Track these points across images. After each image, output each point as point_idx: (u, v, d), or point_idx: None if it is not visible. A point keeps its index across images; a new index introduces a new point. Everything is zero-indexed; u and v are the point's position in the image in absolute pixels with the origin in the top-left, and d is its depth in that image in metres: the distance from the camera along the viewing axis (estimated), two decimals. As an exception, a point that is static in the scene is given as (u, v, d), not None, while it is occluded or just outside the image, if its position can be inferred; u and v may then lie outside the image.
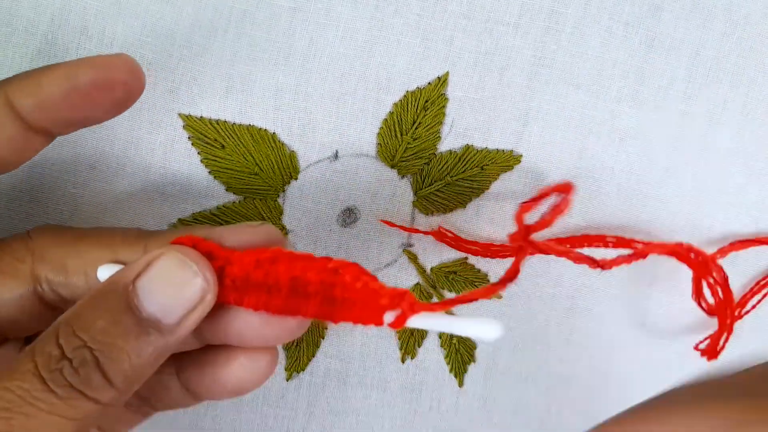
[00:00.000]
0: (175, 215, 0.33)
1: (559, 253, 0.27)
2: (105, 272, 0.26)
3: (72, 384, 0.22)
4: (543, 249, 0.27)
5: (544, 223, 0.27)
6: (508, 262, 0.34)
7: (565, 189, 0.26)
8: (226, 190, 0.33)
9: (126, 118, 0.32)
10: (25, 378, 0.22)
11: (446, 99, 0.33)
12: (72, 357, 0.22)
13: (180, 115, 0.32)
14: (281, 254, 0.25)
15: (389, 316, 0.24)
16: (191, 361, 0.28)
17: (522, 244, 0.26)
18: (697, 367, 0.36)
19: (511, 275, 0.25)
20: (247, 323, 0.26)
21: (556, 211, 0.27)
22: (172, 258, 0.24)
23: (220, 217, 0.33)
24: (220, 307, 0.25)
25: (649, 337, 0.36)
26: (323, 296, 0.25)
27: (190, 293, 0.24)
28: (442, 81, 0.33)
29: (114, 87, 0.25)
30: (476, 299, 0.24)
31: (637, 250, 0.32)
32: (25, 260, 0.27)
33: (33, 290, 0.27)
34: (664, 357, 0.36)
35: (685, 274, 0.34)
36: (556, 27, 0.33)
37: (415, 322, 0.24)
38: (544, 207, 0.28)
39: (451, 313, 0.26)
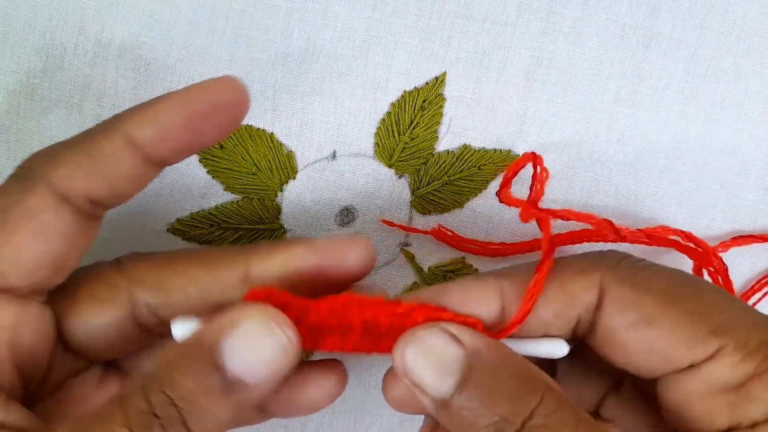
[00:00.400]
0: (174, 215, 0.33)
1: (579, 218, 0.28)
2: (179, 328, 0.26)
3: None
4: (564, 215, 0.27)
5: (538, 193, 0.27)
6: (503, 263, 0.35)
7: (533, 159, 0.27)
8: (225, 189, 0.33)
9: (124, 118, 0.32)
10: (117, 428, 0.23)
11: (444, 99, 0.33)
12: (160, 414, 0.23)
13: (178, 115, 0.32)
14: (352, 300, 0.26)
15: None
16: None
17: (540, 213, 0.27)
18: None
19: (549, 245, 0.26)
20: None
21: (539, 179, 0.27)
22: (258, 320, 0.24)
23: (218, 216, 0.33)
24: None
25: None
26: (396, 336, 0.26)
27: (275, 355, 0.24)
28: (439, 81, 0.33)
29: (227, 109, 0.26)
30: (538, 292, 0.26)
31: (647, 231, 0.32)
32: (120, 286, 0.27)
33: (130, 315, 0.28)
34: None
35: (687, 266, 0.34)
36: (553, 27, 0.33)
37: None
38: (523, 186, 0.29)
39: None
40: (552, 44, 0.33)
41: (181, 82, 0.31)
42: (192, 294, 0.27)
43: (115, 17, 0.31)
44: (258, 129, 0.32)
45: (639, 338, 0.25)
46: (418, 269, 0.35)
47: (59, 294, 0.27)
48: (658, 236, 0.32)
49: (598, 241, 0.33)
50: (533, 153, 0.29)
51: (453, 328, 0.25)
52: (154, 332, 0.28)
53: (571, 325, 0.26)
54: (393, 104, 0.33)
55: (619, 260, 0.27)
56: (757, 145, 0.34)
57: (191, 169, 0.32)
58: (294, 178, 0.33)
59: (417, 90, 0.33)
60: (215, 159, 0.32)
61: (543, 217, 0.27)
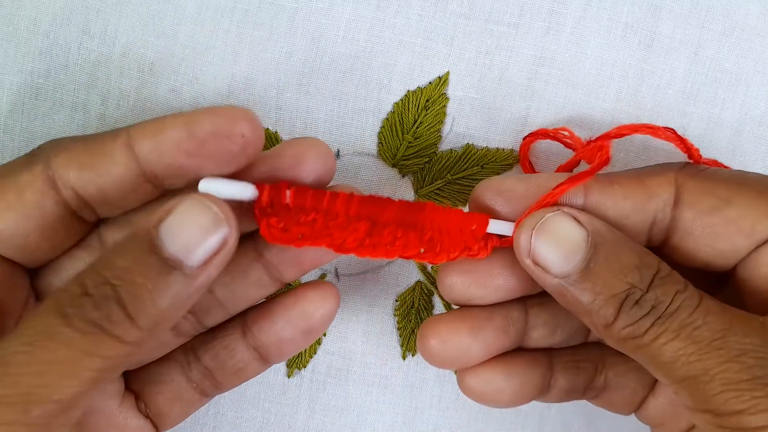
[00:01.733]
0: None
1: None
2: (206, 184, 0.25)
3: (93, 320, 0.23)
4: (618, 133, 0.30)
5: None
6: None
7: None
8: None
9: (129, 118, 0.32)
10: (47, 314, 0.23)
11: (447, 98, 0.33)
12: (94, 293, 0.23)
13: (182, 114, 0.32)
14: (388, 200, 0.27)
15: (496, 225, 0.28)
16: (258, 313, 0.30)
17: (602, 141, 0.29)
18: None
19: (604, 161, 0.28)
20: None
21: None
22: (194, 202, 0.24)
23: (222, 215, 0.33)
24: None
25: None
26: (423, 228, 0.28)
27: (212, 237, 0.24)
28: (442, 80, 0.33)
29: (231, 138, 0.25)
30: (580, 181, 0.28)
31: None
32: (30, 184, 0.26)
33: (54, 200, 0.26)
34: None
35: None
36: (556, 27, 0.33)
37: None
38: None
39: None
40: (554, 44, 0.33)
41: (185, 82, 0.32)
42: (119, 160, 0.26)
43: (119, 17, 0.31)
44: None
45: (720, 219, 0.27)
46: (422, 267, 0.35)
47: None
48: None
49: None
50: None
51: (574, 212, 0.27)
52: (88, 220, 0.28)
53: (647, 222, 0.28)
54: (396, 104, 0.33)
55: (688, 164, 0.29)
56: (756, 145, 0.35)
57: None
58: (298, 178, 0.33)
59: (420, 89, 0.33)
60: (219, 158, 0.32)
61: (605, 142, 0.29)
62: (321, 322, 0.30)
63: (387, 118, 0.33)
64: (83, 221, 0.27)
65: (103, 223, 0.28)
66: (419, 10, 0.32)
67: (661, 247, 0.29)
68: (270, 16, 0.31)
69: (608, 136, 0.30)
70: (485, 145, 0.34)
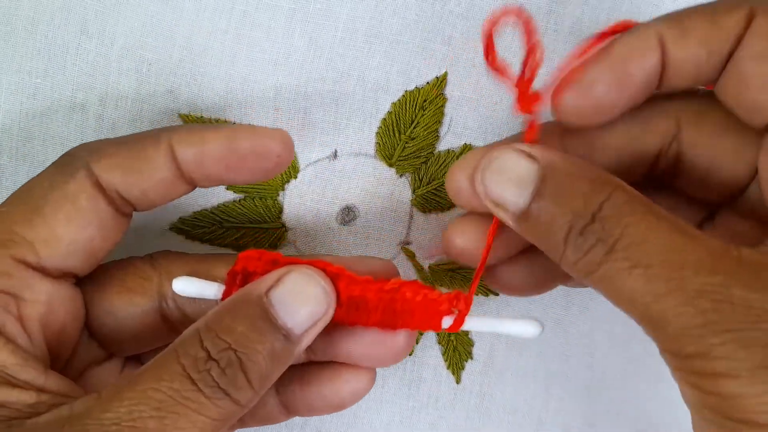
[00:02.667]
0: (177, 214, 0.33)
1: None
2: (180, 284, 0.27)
3: (219, 384, 0.24)
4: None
5: (533, 68, 0.28)
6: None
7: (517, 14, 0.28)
8: (226, 188, 0.33)
9: (127, 119, 0.32)
10: (174, 378, 0.24)
11: (445, 98, 0.33)
12: (218, 358, 0.24)
13: (180, 115, 0.32)
14: (341, 272, 0.27)
15: (447, 321, 0.28)
16: (295, 377, 0.30)
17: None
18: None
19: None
20: (358, 342, 0.29)
21: (532, 51, 0.28)
22: (303, 273, 0.26)
23: (220, 215, 0.33)
24: (334, 325, 0.28)
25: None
26: (383, 310, 0.28)
27: (318, 306, 0.26)
28: (440, 81, 0.33)
29: (268, 156, 0.28)
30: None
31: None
32: (152, 278, 0.29)
33: (158, 307, 0.29)
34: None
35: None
36: (554, 27, 0.33)
37: (469, 324, 0.28)
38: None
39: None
40: (552, 44, 0.33)
41: (183, 83, 0.32)
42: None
43: (117, 17, 0.31)
44: (260, 129, 0.32)
45: None
46: (419, 268, 0.35)
47: (90, 281, 0.29)
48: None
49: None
50: (520, 10, 0.28)
51: (525, 147, 0.26)
52: (179, 329, 0.29)
53: (719, 66, 0.26)
54: (394, 104, 0.33)
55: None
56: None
57: (193, 169, 0.33)
58: (295, 177, 0.33)
59: (418, 89, 0.33)
60: (217, 158, 0.33)
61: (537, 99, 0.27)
62: (351, 400, 0.30)
63: (385, 119, 0.33)
64: (125, 214, 0.29)
65: (161, 266, 0.30)
66: (417, 10, 0.32)
67: (725, 82, 0.26)
68: (268, 17, 0.31)
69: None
70: (483, 146, 0.34)
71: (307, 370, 0.30)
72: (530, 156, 0.26)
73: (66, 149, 0.32)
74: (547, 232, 0.25)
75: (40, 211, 0.26)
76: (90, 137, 0.32)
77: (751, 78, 0.25)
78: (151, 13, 0.31)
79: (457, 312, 0.28)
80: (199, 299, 0.28)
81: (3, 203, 0.27)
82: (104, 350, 0.30)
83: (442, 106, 0.33)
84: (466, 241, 0.29)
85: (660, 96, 0.28)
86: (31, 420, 0.24)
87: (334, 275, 0.27)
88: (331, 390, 0.30)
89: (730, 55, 0.26)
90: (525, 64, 0.28)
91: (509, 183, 0.26)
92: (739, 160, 0.27)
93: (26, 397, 0.25)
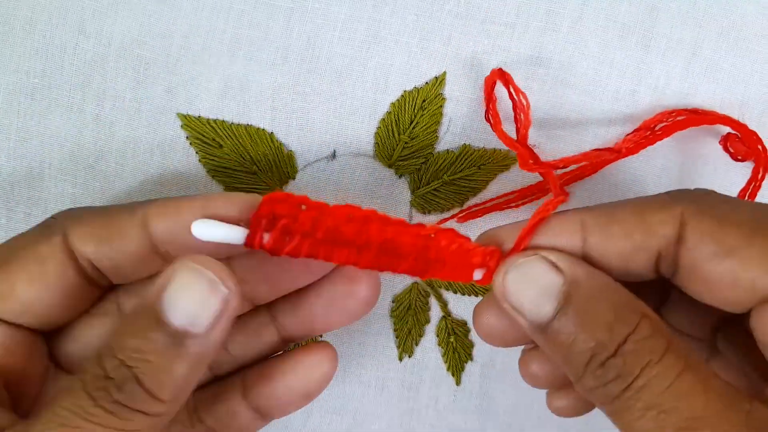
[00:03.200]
0: (174, 214, 0.33)
1: (577, 160, 0.29)
2: (200, 228, 0.26)
3: (118, 400, 0.24)
4: (560, 164, 0.29)
5: (525, 124, 0.29)
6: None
7: (500, 77, 0.28)
8: (224, 189, 0.33)
9: (125, 118, 0.32)
10: (77, 396, 0.24)
11: (443, 99, 0.33)
12: (114, 376, 0.24)
13: (178, 114, 0.32)
14: (373, 216, 0.26)
15: (477, 274, 0.27)
16: (258, 376, 0.30)
17: (541, 168, 0.28)
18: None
19: (559, 192, 0.28)
20: (321, 303, 0.29)
21: (521, 107, 0.28)
22: (188, 269, 0.25)
23: (218, 216, 0.33)
24: (301, 293, 0.28)
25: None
26: (416, 256, 0.27)
27: (213, 300, 0.25)
28: (439, 81, 0.33)
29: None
30: (548, 213, 0.27)
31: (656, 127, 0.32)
32: (49, 256, 0.27)
33: (74, 270, 0.27)
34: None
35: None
36: (552, 27, 0.33)
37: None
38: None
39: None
40: (551, 44, 0.33)
41: (180, 83, 0.31)
42: (134, 235, 0.27)
43: (114, 17, 0.31)
44: (258, 129, 0.32)
45: (722, 270, 0.25)
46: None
47: None
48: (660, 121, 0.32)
49: (603, 165, 0.33)
50: (500, 69, 0.30)
51: (553, 257, 0.26)
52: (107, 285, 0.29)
53: (652, 259, 0.26)
54: (393, 104, 0.33)
55: (702, 195, 0.27)
56: (755, 145, 0.35)
57: (191, 169, 0.32)
58: (294, 178, 0.33)
59: (417, 90, 0.33)
60: (215, 158, 0.32)
61: (544, 170, 0.28)
62: (318, 386, 0.30)
63: (383, 119, 0.33)
64: (99, 286, 0.28)
65: (119, 287, 0.29)
66: (415, 10, 0.32)
67: (672, 279, 0.27)
68: (266, 16, 0.31)
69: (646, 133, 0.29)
70: (482, 146, 0.34)
71: (267, 365, 0.30)
72: (556, 267, 0.25)
73: (63, 149, 0.32)
74: (566, 351, 0.25)
75: (6, 266, 0.27)
76: (87, 137, 0.32)
77: (717, 279, 0.25)
78: (148, 13, 0.31)
79: (484, 272, 0.27)
80: (117, 250, 0.27)
81: None
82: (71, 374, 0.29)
83: (441, 106, 0.33)
84: (495, 320, 0.29)
85: (668, 197, 0.27)
86: None
87: (365, 218, 0.26)
88: (296, 379, 0.30)
89: (659, 254, 0.26)
90: (516, 121, 0.30)
91: (532, 292, 0.25)
92: (739, 286, 0.26)
93: None
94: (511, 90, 0.30)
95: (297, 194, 0.26)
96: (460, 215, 0.34)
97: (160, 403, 0.24)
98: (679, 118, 0.32)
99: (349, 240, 0.26)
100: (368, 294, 0.29)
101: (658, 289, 0.30)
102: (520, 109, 0.30)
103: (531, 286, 0.25)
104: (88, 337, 0.29)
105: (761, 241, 0.25)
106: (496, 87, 0.31)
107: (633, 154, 0.31)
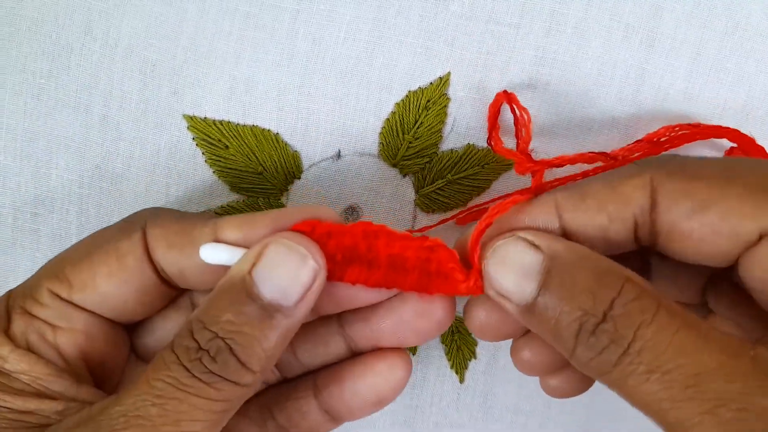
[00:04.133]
0: (180, 214, 0.33)
1: (573, 160, 0.30)
2: (207, 251, 0.27)
3: (212, 370, 0.25)
4: (556, 162, 0.29)
5: (526, 139, 0.30)
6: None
7: (506, 99, 0.30)
8: (230, 189, 0.33)
9: (131, 119, 0.32)
10: (171, 368, 0.25)
11: (448, 99, 0.33)
12: (208, 348, 0.25)
13: (184, 116, 0.32)
14: (383, 230, 0.27)
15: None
16: (330, 378, 0.30)
17: (536, 165, 0.29)
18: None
19: (537, 189, 0.28)
20: (396, 318, 0.29)
21: (522, 122, 0.29)
22: (281, 244, 0.26)
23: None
24: (372, 308, 0.28)
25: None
26: (420, 271, 0.27)
27: (304, 274, 0.26)
28: (443, 81, 0.33)
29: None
30: (509, 207, 0.27)
31: (648, 136, 0.32)
32: (130, 253, 0.28)
33: (151, 268, 0.28)
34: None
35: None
36: (557, 28, 0.33)
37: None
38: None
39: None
40: (555, 44, 0.33)
41: (186, 84, 0.32)
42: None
43: (121, 18, 0.31)
44: (263, 129, 0.32)
45: (701, 225, 0.25)
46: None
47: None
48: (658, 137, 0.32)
49: (599, 171, 0.33)
50: (505, 91, 0.30)
51: (529, 236, 0.26)
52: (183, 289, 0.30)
53: (630, 228, 0.26)
54: (398, 104, 0.33)
55: (669, 159, 0.27)
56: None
57: (197, 170, 0.33)
58: (299, 178, 0.33)
59: (421, 90, 0.33)
60: (221, 159, 0.33)
61: (538, 168, 0.28)
62: (391, 392, 0.30)
63: (388, 119, 0.33)
64: (175, 287, 0.29)
65: None
66: (420, 10, 0.32)
67: (654, 246, 0.27)
68: (271, 17, 0.31)
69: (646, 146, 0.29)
70: (486, 145, 0.34)
71: (339, 370, 0.30)
72: (534, 246, 0.25)
73: (70, 150, 0.32)
74: (555, 327, 0.25)
75: (89, 258, 0.28)
76: (94, 138, 0.32)
77: (698, 234, 0.25)
78: (155, 15, 0.31)
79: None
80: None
81: (74, 244, 0.29)
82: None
83: (446, 106, 0.33)
84: (485, 314, 0.29)
85: (635, 166, 0.27)
86: (54, 425, 0.25)
87: (372, 233, 0.27)
88: (365, 384, 0.30)
89: (636, 223, 0.26)
90: (518, 137, 0.31)
91: (513, 274, 0.26)
92: (721, 236, 0.25)
93: (54, 406, 0.26)
94: (515, 108, 0.31)
95: (323, 223, 0.27)
96: (460, 216, 0.34)
97: (251, 374, 0.25)
98: (682, 132, 0.32)
99: (361, 257, 0.27)
100: (443, 315, 0.29)
101: (641, 265, 0.30)
102: (522, 125, 0.30)
103: (511, 268, 0.26)
104: (163, 330, 0.30)
105: (735, 190, 0.25)
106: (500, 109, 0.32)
107: (630, 162, 0.31)
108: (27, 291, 0.28)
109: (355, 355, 0.31)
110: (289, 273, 0.25)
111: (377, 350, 0.30)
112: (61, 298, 0.27)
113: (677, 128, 0.32)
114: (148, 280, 0.28)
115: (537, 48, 0.33)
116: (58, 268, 0.28)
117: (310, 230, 0.27)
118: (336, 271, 0.27)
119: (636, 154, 0.31)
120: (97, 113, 0.32)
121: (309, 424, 0.31)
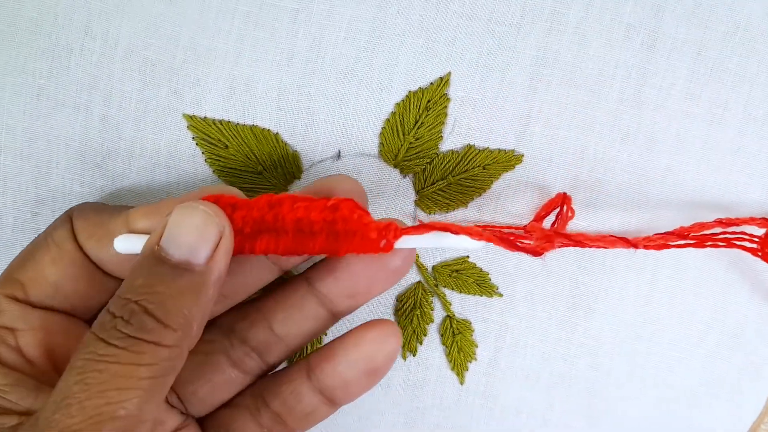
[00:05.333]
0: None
1: (593, 242, 0.30)
2: (122, 243, 0.28)
3: (128, 333, 0.24)
4: (575, 240, 0.29)
5: (559, 229, 0.29)
6: (507, 262, 0.35)
7: (563, 199, 0.28)
8: (230, 189, 0.33)
9: (131, 119, 0.32)
10: (89, 344, 0.24)
11: (448, 99, 0.33)
12: (122, 314, 0.25)
13: (184, 115, 0.32)
14: (287, 197, 0.27)
15: (382, 244, 0.28)
16: (322, 357, 0.30)
17: (551, 234, 0.28)
18: (699, 365, 0.36)
19: (536, 253, 0.29)
20: (356, 272, 0.30)
21: (564, 217, 0.28)
22: (183, 206, 0.26)
23: (223, 216, 0.33)
24: (334, 263, 0.28)
25: (651, 334, 0.36)
26: (327, 232, 0.27)
27: (209, 231, 0.26)
28: (444, 81, 0.33)
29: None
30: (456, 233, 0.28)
31: (676, 231, 0.32)
32: (67, 231, 0.29)
33: (87, 266, 0.29)
34: (665, 352, 0.36)
35: (690, 268, 0.35)
36: (558, 27, 0.33)
37: (403, 243, 0.28)
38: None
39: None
40: (556, 44, 0.33)
41: (186, 84, 0.32)
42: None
43: (121, 18, 0.31)
44: (263, 129, 0.32)
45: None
46: (423, 268, 0.35)
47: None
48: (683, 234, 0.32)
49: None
50: (564, 194, 0.31)
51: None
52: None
53: None
54: (398, 104, 0.33)
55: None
56: (760, 145, 0.34)
57: (197, 169, 0.33)
58: (299, 178, 0.33)
59: (422, 90, 0.33)
60: (221, 159, 0.33)
61: (549, 241, 0.30)
62: (384, 363, 0.30)
63: (388, 119, 0.33)
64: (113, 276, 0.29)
65: None
66: (420, 10, 0.32)
67: None
68: (271, 17, 0.31)
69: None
70: (486, 146, 0.34)
71: (331, 344, 0.30)
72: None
73: (70, 150, 0.32)
74: None
75: (32, 255, 0.28)
76: (94, 138, 0.32)
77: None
78: (154, 14, 0.31)
79: (384, 242, 0.28)
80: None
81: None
82: None
83: (446, 106, 0.33)
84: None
85: None
86: None
87: (276, 201, 0.27)
88: (359, 354, 0.30)
89: None
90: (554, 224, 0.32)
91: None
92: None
93: (7, 421, 0.26)
94: (565, 208, 0.32)
95: (227, 195, 0.27)
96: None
97: (171, 332, 0.25)
98: (713, 231, 0.33)
99: (270, 227, 0.27)
100: (398, 264, 0.30)
101: None
102: (562, 221, 0.32)
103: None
104: (62, 282, 0.29)
105: None
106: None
107: (648, 249, 0.32)
108: None
109: (334, 316, 0.31)
110: (195, 231, 0.26)
111: (365, 323, 0.30)
112: (17, 300, 0.28)
113: (706, 226, 0.32)
114: (88, 266, 0.28)
115: (538, 48, 0.33)
116: (6, 275, 0.29)
117: (214, 201, 0.27)
118: (245, 243, 0.27)
119: (655, 243, 0.32)
120: (97, 113, 0.32)
121: (304, 407, 0.30)
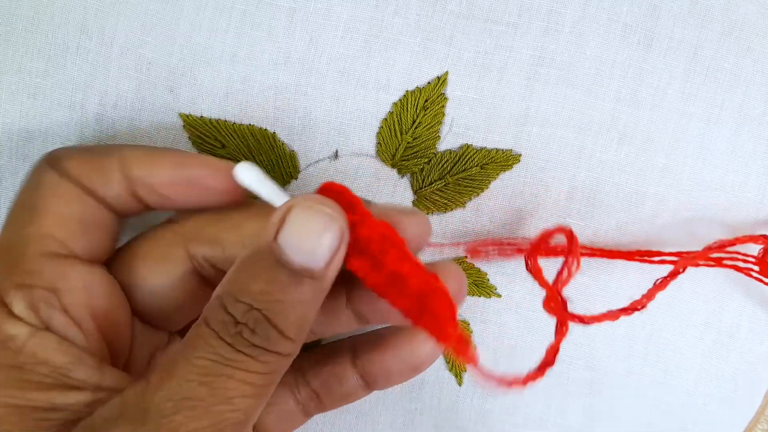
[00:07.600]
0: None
1: (601, 319, 0.31)
2: (243, 171, 0.27)
3: (254, 343, 0.24)
4: (585, 320, 0.30)
5: (564, 282, 0.29)
6: (506, 262, 0.35)
7: (569, 237, 0.28)
8: (227, 189, 0.33)
9: (127, 118, 0.32)
10: (213, 345, 0.24)
11: (446, 98, 0.33)
12: (245, 321, 0.24)
13: (180, 114, 0.32)
14: (401, 246, 0.26)
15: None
16: (370, 345, 0.30)
17: (562, 314, 0.30)
18: (697, 365, 0.36)
19: (551, 359, 0.29)
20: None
21: (569, 266, 0.29)
22: (305, 207, 0.25)
23: (220, 216, 0.33)
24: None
25: (648, 335, 0.36)
26: (416, 298, 0.26)
27: (330, 236, 0.25)
28: (441, 81, 0.33)
29: (208, 190, 0.28)
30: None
31: (676, 264, 0.32)
32: (175, 242, 0.28)
33: (191, 271, 0.28)
34: (661, 352, 0.36)
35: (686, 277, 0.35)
36: (555, 27, 0.33)
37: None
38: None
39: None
40: (553, 44, 0.33)
41: (183, 83, 0.31)
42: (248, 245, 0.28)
43: (117, 16, 0.31)
44: (260, 129, 0.32)
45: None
46: (420, 269, 0.35)
47: (118, 266, 0.28)
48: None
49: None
50: (570, 230, 0.30)
51: None
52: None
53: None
54: (395, 104, 0.33)
55: None
56: (756, 144, 0.35)
57: (193, 169, 0.32)
58: (296, 178, 0.33)
59: (419, 90, 0.33)
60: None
61: (561, 319, 0.30)
62: (429, 359, 0.30)
63: (386, 119, 0.33)
64: (119, 212, 0.28)
65: None
66: (417, 10, 0.32)
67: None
68: (268, 16, 0.31)
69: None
70: (484, 146, 0.34)
71: (379, 334, 0.30)
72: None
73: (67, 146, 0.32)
74: None
75: (36, 210, 0.26)
76: (90, 137, 0.32)
77: None
78: (151, 13, 0.31)
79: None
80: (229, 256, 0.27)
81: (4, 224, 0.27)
82: (161, 332, 0.30)
83: (443, 106, 0.33)
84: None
85: None
86: (85, 420, 0.24)
87: (390, 241, 0.26)
88: (408, 351, 0.30)
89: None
90: (560, 272, 0.31)
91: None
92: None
93: (82, 398, 0.25)
94: (571, 247, 0.31)
95: (351, 193, 0.26)
96: (470, 248, 0.34)
97: (290, 342, 0.25)
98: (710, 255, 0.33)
99: (370, 254, 0.26)
100: (456, 289, 0.28)
101: None
102: (569, 265, 0.31)
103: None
104: (159, 283, 0.28)
105: None
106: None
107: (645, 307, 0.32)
108: (9, 268, 0.26)
109: (362, 325, 0.30)
110: (316, 235, 0.25)
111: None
112: (52, 254, 0.26)
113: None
114: (93, 204, 0.27)
115: (535, 47, 0.33)
116: (17, 239, 0.27)
117: (336, 195, 0.26)
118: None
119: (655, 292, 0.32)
120: (92, 112, 0.32)
121: (344, 389, 0.30)
